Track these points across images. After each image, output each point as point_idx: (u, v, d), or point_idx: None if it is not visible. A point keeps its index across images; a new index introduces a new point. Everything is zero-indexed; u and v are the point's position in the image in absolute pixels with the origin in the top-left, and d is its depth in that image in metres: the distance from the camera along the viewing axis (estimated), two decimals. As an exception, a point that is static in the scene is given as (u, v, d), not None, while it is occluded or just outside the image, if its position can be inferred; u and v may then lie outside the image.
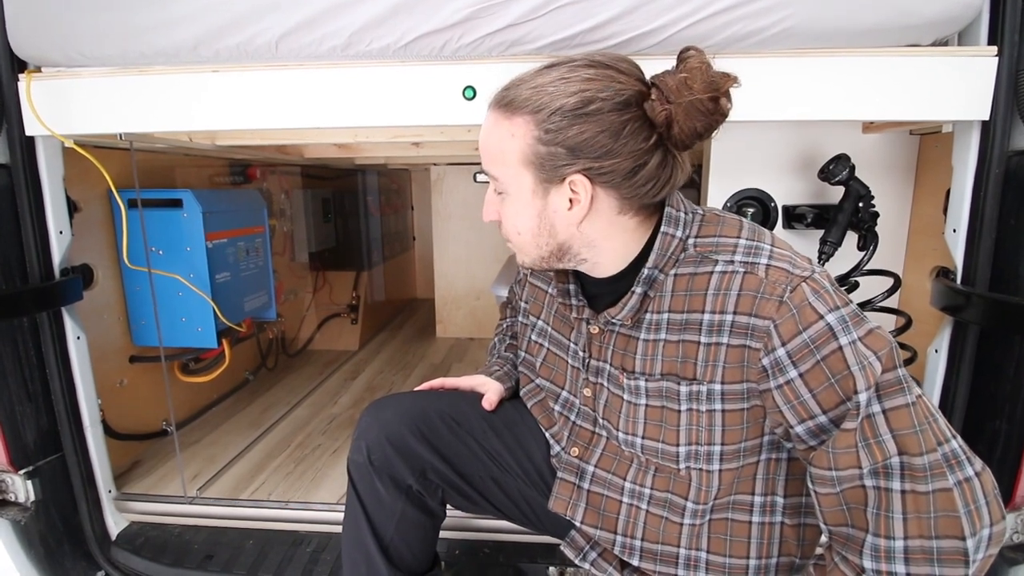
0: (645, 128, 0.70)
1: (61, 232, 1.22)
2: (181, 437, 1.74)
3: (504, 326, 1.19)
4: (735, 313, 0.70)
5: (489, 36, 0.97)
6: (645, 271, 0.76)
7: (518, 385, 1.05)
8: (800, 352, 0.66)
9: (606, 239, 0.77)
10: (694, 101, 0.67)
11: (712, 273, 0.73)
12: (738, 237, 0.74)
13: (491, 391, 1.00)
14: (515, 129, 0.72)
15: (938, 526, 0.61)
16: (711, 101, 0.68)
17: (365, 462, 0.90)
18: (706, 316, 0.72)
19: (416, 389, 1.04)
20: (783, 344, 0.66)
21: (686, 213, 0.78)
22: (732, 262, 0.72)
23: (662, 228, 0.76)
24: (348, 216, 2.94)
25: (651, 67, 0.74)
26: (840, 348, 0.64)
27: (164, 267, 1.55)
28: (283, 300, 2.34)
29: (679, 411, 0.76)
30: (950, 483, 0.61)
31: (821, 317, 0.65)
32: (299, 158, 2.05)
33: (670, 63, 0.73)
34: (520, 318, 1.06)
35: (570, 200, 0.73)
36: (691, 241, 0.77)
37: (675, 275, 0.76)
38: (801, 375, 0.66)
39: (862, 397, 0.63)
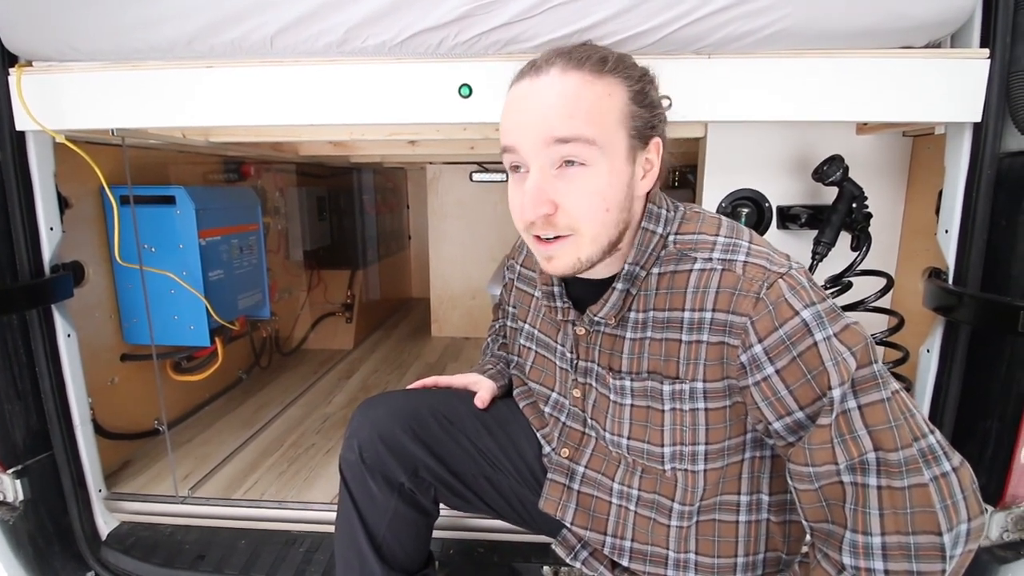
0: None
1: (52, 228, 1.21)
2: (173, 436, 1.73)
3: (496, 327, 1.19)
4: (714, 310, 0.70)
5: (485, 34, 0.97)
6: (626, 267, 0.77)
7: (511, 383, 1.05)
8: (776, 348, 0.66)
9: (637, 220, 0.78)
10: None
11: (691, 271, 0.73)
12: (717, 235, 0.75)
13: (483, 389, 1.00)
14: (610, 88, 0.70)
15: (914, 522, 0.61)
16: None
17: (357, 460, 0.89)
18: (686, 314, 0.73)
19: (409, 387, 1.03)
20: (760, 341, 0.66)
21: (668, 210, 0.79)
22: (711, 259, 0.72)
23: (643, 224, 0.77)
24: (343, 214, 2.93)
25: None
26: (815, 344, 0.64)
27: (156, 264, 1.54)
28: (277, 298, 2.33)
29: (663, 411, 0.76)
30: (926, 478, 0.61)
31: (797, 313, 0.65)
32: (294, 156, 2.04)
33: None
34: (509, 322, 1.06)
35: (644, 169, 0.75)
36: (671, 238, 0.77)
37: (658, 274, 0.76)
38: (778, 371, 0.66)
39: (836, 393, 0.63)
